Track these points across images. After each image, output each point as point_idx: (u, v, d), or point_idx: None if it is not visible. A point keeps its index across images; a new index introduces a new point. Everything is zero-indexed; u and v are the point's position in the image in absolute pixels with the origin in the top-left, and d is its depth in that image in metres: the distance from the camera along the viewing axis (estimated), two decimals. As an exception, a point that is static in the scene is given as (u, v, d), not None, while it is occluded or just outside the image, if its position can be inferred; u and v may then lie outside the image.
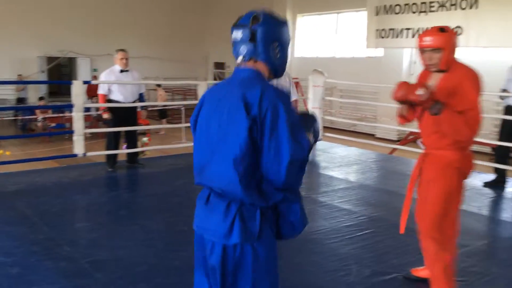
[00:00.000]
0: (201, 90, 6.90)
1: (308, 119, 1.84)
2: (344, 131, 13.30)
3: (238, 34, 1.77)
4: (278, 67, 1.79)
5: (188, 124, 7.91)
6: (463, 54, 13.76)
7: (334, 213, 4.63)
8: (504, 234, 4.43)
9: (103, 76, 6.12)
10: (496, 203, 5.33)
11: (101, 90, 6.13)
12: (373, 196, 5.38)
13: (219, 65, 20.09)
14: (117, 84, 6.07)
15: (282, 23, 1.79)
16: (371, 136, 13.80)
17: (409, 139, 10.57)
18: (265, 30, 1.73)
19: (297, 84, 10.47)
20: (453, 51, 2.81)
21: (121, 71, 6.12)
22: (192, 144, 7.12)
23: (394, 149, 9.67)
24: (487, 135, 11.77)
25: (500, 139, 5.86)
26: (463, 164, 2.84)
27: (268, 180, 1.67)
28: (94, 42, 17.06)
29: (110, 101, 6.13)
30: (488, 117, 12.48)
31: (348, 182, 5.88)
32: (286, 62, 1.83)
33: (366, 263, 3.50)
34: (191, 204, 4.58)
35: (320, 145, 8.14)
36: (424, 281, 3.04)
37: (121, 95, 6.10)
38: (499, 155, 5.99)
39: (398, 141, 11.65)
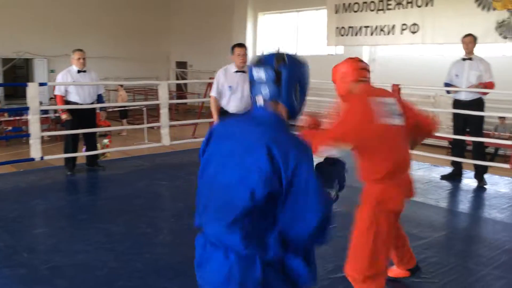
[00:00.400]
0: (162, 90, 6.82)
1: (335, 168, 1.75)
2: (307, 128, 13.44)
3: (261, 74, 1.68)
4: (297, 110, 1.70)
5: (150, 125, 7.80)
6: (421, 51, 14.09)
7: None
8: (461, 225, 4.58)
9: (59, 77, 5.95)
10: (453, 195, 5.50)
11: (58, 91, 5.96)
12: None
13: (181, 64, 19.91)
14: (74, 85, 5.92)
15: (305, 65, 1.76)
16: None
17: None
18: (290, 72, 1.68)
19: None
20: (342, 83, 2.75)
21: (79, 71, 5.96)
22: (154, 144, 6.97)
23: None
24: (444, 129, 12.18)
25: (454, 133, 6.04)
26: (381, 198, 2.60)
27: (288, 236, 1.54)
28: (51, 42, 16.56)
29: (67, 102, 5.97)
30: (444, 112, 12.92)
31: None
32: (304, 105, 1.75)
33: (329, 258, 3.54)
34: (154, 206, 4.58)
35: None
36: (392, 280, 3.09)
37: (79, 96, 5.94)
38: (455, 148, 6.18)
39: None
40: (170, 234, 4.06)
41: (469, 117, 5.73)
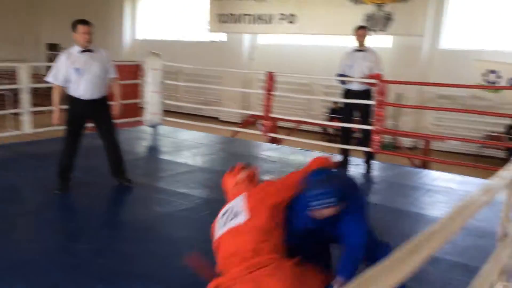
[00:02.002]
0: (23, 73, 6.24)
1: None
2: (190, 115, 13.34)
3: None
4: None
5: (16, 111, 6.95)
6: (298, 40, 14.62)
7: (171, 197, 4.59)
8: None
9: None
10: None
11: None
12: (211, 178, 5.45)
13: (53, 47, 18.53)
14: None
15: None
16: (215, 119, 14.07)
17: (249, 122, 11.02)
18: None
19: (137, 67, 10.14)
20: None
21: None
22: (14, 132, 6.33)
23: (236, 132, 9.99)
24: (318, 116, 12.88)
25: (343, 121, 6.17)
26: None
27: None
28: None
29: None
30: (317, 99, 13.63)
31: (187, 166, 5.88)
32: None
33: (200, 245, 3.52)
34: (10, 200, 4.13)
35: (161, 129, 8.01)
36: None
37: None
38: (343, 136, 6.25)
39: (241, 123, 12.05)
40: (22, 231, 3.73)
41: (359, 106, 5.91)
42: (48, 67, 17.14)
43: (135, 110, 10.13)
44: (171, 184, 5.07)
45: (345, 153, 6.13)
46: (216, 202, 4.56)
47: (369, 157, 6.00)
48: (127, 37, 17.18)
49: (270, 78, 6.98)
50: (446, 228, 1.25)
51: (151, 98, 7.78)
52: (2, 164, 5.54)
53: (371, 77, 5.79)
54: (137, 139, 7.38)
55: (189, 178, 5.35)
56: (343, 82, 6.04)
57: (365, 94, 5.91)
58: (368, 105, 5.94)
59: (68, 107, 4.51)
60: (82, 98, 4.46)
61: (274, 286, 2.19)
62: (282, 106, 12.02)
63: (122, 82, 9.21)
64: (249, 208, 2.49)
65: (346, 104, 6.11)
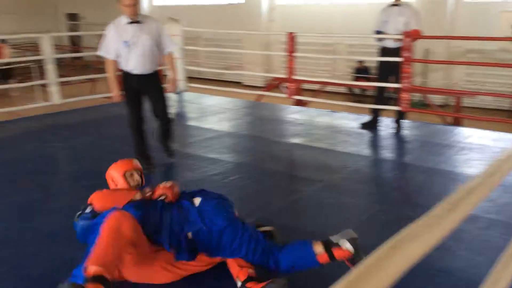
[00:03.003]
0: (45, 44, 6.25)
1: None
2: (212, 80, 13.28)
3: None
4: None
5: (35, 82, 7.08)
6: (318, -1, 14.00)
7: (200, 163, 4.61)
8: (358, 167, 4.79)
9: None
10: (357, 140, 5.72)
11: None
12: (238, 143, 5.46)
13: (72, 17, 18.51)
14: None
15: None
16: (238, 84, 13.98)
17: (273, 85, 10.91)
18: None
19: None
20: None
21: None
22: (43, 104, 6.36)
23: (261, 95, 9.92)
24: (342, 76, 12.66)
25: (378, 81, 5.97)
26: None
27: None
28: None
29: None
30: (342, 59, 13.37)
31: (214, 132, 5.88)
32: None
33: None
34: (47, 170, 4.24)
35: (186, 96, 8.00)
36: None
37: None
38: (379, 96, 6.04)
39: (265, 87, 11.94)
40: (64, 199, 3.81)
41: (394, 65, 5.71)
42: (69, 37, 17.24)
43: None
44: (200, 149, 5.10)
45: (376, 113, 5.99)
46: (245, 166, 4.60)
47: (399, 116, 5.88)
48: (144, 4, 16.99)
49: (291, 39, 6.84)
50: (484, 185, 1.20)
51: (174, 65, 7.73)
52: (35, 135, 5.64)
53: (408, 33, 5.57)
54: (162, 106, 7.39)
55: (217, 143, 5.36)
56: (379, 39, 5.85)
57: (400, 52, 5.71)
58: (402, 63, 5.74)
59: (123, 82, 4.20)
60: (132, 72, 4.14)
61: None
62: (305, 68, 11.83)
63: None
64: None
65: (381, 62, 5.93)
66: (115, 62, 4.15)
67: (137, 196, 2.67)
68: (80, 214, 2.62)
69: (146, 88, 4.25)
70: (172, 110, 7.25)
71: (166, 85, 4.47)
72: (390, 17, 5.66)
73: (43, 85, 9.07)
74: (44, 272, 2.67)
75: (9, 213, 3.48)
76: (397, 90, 5.93)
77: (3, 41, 13.45)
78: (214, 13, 15.30)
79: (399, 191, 4.00)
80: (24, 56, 16.14)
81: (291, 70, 6.99)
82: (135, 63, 4.10)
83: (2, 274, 2.67)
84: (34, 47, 16.72)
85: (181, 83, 7.84)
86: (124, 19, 4.07)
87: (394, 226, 3.19)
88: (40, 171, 4.40)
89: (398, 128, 5.81)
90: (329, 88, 11.22)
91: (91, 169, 4.28)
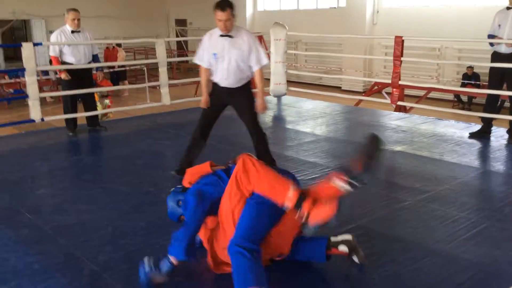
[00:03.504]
0: (160, 48, 6.68)
1: None
2: (310, 84, 13.30)
3: None
4: None
5: (149, 84, 7.59)
6: (426, 1, 13.64)
7: (300, 166, 4.65)
8: (467, 179, 4.53)
9: (53, 37, 5.79)
10: (465, 151, 5.43)
11: (52, 52, 5.81)
12: (338, 148, 5.42)
13: (181, 22, 19.55)
14: (68, 46, 5.76)
15: None
16: (337, 88, 13.86)
17: (374, 90, 10.66)
18: None
19: (260, 38, 10.28)
20: None
21: (72, 31, 5.81)
22: (154, 104, 6.76)
23: (360, 100, 9.75)
24: (450, 83, 12.03)
25: (489, 87, 5.66)
26: None
27: None
28: (47, 1, 16.23)
29: (63, 63, 5.86)
30: (449, 64, 12.70)
31: (313, 136, 5.90)
32: None
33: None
34: (156, 165, 4.54)
35: (285, 99, 8.11)
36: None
37: (74, 57, 5.80)
38: (490, 104, 5.71)
39: (363, 92, 11.71)
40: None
41: (507, 71, 5.37)
42: (178, 42, 18.17)
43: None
44: (299, 153, 5.14)
45: (487, 122, 5.65)
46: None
47: None
48: (249, 10, 17.46)
49: (399, 43, 6.64)
50: None
51: (275, 68, 7.87)
52: (146, 133, 6.05)
53: None
54: (263, 109, 7.56)
55: (315, 147, 5.36)
56: (491, 44, 5.51)
57: None
58: None
59: (212, 91, 4.27)
60: (220, 84, 4.19)
61: None
62: (408, 73, 11.41)
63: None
64: None
65: (493, 68, 5.58)
66: (208, 70, 4.22)
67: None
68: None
69: (233, 101, 4.25)
70: (272, 113, 7.41)
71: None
72: (504, 21, 5.31)
73: (153, 87, 9.70)
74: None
75: (123, 204, 3.78)
76: (510, 98, 5.52)
77: (118, 45, 14.57)
78: (316, 17, 15.31)
79: (511, 207, 3.72)
80: (135, 59, 17.39)
81: (396, 74, 6.79)
82: (221, 76, 4.14)
83: (118, 259, 2.91)
84: (144, 51, 17.97)
85: (281, 86, 7.95)
86: (217, 31, 4.07)
87: (504, 244, 3.00)
88: (151, 167, 4.72)
89: (511, 139, 5.42)
90: (433, 95, 10.71)
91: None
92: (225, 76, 4.12)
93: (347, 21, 14.11)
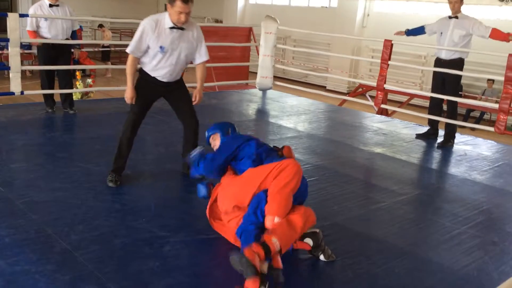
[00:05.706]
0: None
1: None
2: (296, 81, 13.32)
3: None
4: None
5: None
6: (416, 9, 13.74)
7: (281, 160, 4.64)
8: (441, 184, 4.60)
9: (31, 11, 5.50)
10: (434, 155, 5.51)
11: (29, 27, 5.50)
12: (319, 145, 5.44)
13: (171, 7, 19.34)
14: (45, 20, 5.45)
15: None
16: (322, 87, 13.90)
17: (358, 92, 10.72)
18: None
19: (250, 30, 10.23)
20: None
21: (50, 5, 5.53)
22: None
23: (344, 101, 9.79)
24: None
25: (432, 92, 5.99)
26: None
27: None
28: (35, -26, 15.85)
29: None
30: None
31: (296, 131, 5.90)
32: None
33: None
34: (135, 149, 4.48)
35: (270, 93, 8.09)
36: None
37: (50, 33, 5.52)
38: (432, 107, 6.03)
39: (348, 93, 11.77)
40: (150, 178, 4.01)
41: (446, 76, 5.64)
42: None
43: (245, 73, 10.35)
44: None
45: (433, 125, 5.98)
46: (325, 169, 4.57)
47: (451, 131, 5.76)
48: (242, 1, 17.32)
49: (388, 46, 6.68)
50: None
51: (263, 62, 7.85)
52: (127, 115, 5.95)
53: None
54: (248, 102, 7.54)
55: (297, 143, 5.37)
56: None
57: (455, 64, 5.59)
58: (456, 76, 5.66)
59: (143, 86, 3.78)
60: (159, 79, 3.76)
61: None
62: (393, 78, 11.52)
63: (235, 44, 9.47)
64: None
65: (435, 73, 5.87)
66: (137, 60, 3.70)
67: None
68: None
69: (169, 94, 3.89)
70: (256, 106, 7.39)
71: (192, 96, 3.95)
72: (446, 29, 5.60)
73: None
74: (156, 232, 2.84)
75: (99, 185, 3.70)
76: (448, 103, 5.86)
77: (100, 25, 14.32)
78: (306, 15, 15.31)
79: (485, 215, 3.79)
80: (121, 40, 17.12)
81: (382, 78, 6.84)
82: (165, 72, 3.70)
83: (91, 239, 2.87)
84: (131, 33, 17.71)
85: (267, 80, 7.93)
86: (167, 22, 3.55)
87: (474, 251, 3.05)
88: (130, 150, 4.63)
89: (449, 142, 5.69)
90: (415, 101, 10.83)
91: (176, 152, 4.41)
92: (170, 72, 3.73)
93: (337, 22, 14.15)
